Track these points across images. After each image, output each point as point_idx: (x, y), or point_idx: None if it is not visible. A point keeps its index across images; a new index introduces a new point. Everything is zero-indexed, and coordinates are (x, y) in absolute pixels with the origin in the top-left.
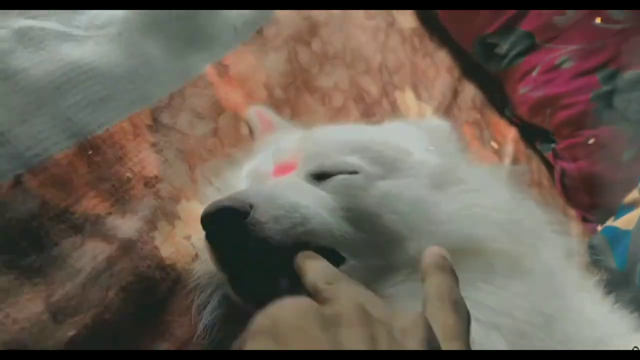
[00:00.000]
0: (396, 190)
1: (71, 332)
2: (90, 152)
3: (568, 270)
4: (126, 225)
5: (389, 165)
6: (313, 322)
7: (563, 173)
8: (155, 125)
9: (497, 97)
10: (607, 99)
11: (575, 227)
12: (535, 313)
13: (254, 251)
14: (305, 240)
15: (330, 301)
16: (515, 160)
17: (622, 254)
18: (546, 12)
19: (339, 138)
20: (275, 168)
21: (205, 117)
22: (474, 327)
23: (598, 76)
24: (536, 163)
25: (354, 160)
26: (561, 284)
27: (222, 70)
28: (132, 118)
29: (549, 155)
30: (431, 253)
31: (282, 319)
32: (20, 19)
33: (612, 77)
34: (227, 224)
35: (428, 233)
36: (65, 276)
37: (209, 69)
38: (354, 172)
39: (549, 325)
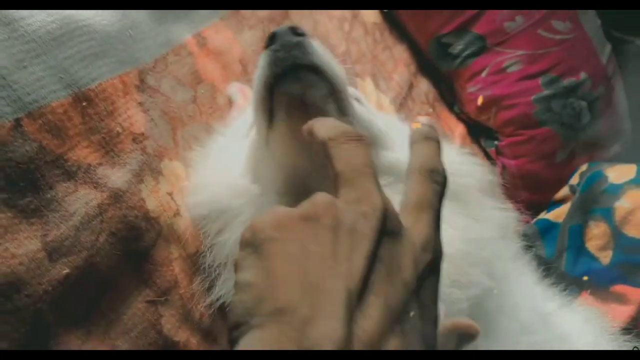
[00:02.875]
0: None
1: (65, 271)
2: (84, 103)
3: (508, 241)
4: (115, 176)
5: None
6: (285, 229)
7: (504, 169)
8: (142, 85)
9: (447, 94)
10: (547, 102)
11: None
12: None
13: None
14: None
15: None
16: None
17: (551, 243)
18: (498, 18)
19: None
20: None
21: (186, 84)
22: None
23: (540, 81)
24: (480, 158)
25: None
26: (501, 250)
27: (201, 41)
28: (122, 76)
29: (491, 151)
30: (420, 123)
31: (259, 230)
32: None
33: (552, 82)
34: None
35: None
36: (60, 218)
37: (189, 39)
38: None
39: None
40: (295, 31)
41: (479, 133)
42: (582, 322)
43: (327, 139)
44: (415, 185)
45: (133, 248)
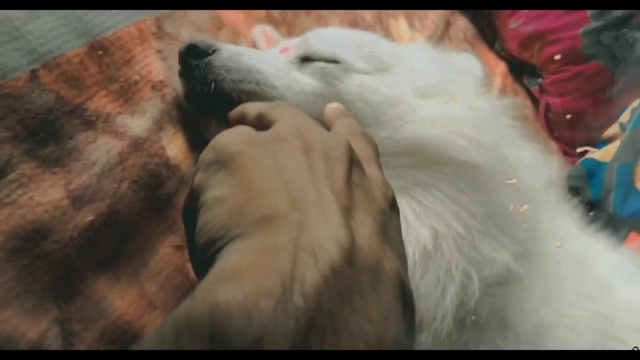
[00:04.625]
0: (373, 85)
1: (89, 218)
2: (100, 52)
3: (547, 195)
4: (135, 124)
5: (378, 65)
6: (253, 144)
7: (548, 107)
8: (160, 33)
9: (487, 31)
10: (596, 35)
11: (557, 159)
12: (490, 224)
13: (209, 91)
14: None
15: (270, 124)
16: (502, 93)
17: (598, 184)
18: None
19: (339, 34)
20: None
21: (206, 30)
22: (415, 225)
23: (588, 12)
24: (522, 97)
25: (339, 51)
26: (536, 206)
27: None
28: (138, 24)
29: (535, 89)
30: (331, 107)
31: (224, 147)
32: None
33: (602, 13)
34: (193, 61)
35: (393, 127)
36: (82, 167)
37: None
38: (335, 62)
39: (503, 234)
40: (194, 50)
41: (521, 71)
42: (629, 270)
43: (262, 110)
44: (356, 146)
45: (155, 195)
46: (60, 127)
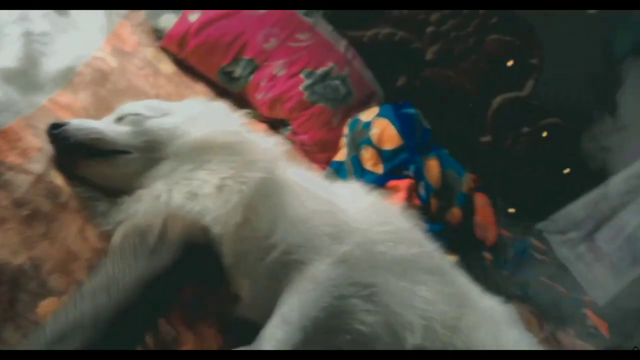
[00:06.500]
0: (165, 120)
1: (25, 212)
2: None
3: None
4: (35, 167)
5: (163, 112)
6: None
7: (302, 143)
8: (30, 126)
9: (245, 106)
10: (311, 88)
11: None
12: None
13: (69, 144)
14: (98, 147)
15: None
16: None
17: (344, 173)
18: (259, 43)
19: (136, 103)
20: None
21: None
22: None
23: (302, 75)
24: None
25: (137, 110)
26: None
27: (55, 102)
28: (18, 121)
29: (288, 134)
30: None
31: None
32: None
33: (310, 74)
34: (55, 132)
35: (182, 137)
36: (11, 188)
37: (47, 102)
38: (137, 114)
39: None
40: (55, 126)
41: (276, 125)
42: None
43: None
44: None
45: (56, 201)
46: None
